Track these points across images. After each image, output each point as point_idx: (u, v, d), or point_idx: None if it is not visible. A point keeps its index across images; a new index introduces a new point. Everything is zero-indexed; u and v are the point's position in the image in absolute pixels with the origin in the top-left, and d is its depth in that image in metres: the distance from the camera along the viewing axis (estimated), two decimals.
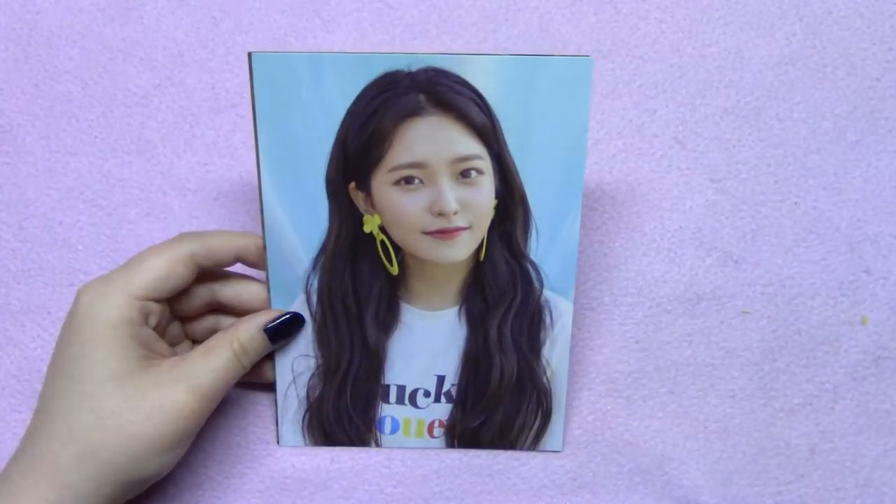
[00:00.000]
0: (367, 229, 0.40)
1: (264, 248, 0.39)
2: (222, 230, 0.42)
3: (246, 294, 0.40)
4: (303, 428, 0.43)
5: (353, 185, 0.39)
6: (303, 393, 0.42)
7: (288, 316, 0.40)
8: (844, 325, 0.45)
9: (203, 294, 0.40)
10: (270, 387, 0.43)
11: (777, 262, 0.45)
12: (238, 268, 0.41)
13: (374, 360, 0.42)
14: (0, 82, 0.45)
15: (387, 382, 0.42)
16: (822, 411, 0.45)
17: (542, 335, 0.41)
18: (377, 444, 0.44)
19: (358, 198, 0.39)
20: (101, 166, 0.45)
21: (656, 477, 0.44)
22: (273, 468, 0.44)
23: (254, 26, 0.45)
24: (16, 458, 0.36)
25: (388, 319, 0.41)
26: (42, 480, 0.34)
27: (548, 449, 0.44)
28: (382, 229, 0.39)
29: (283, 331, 0.40)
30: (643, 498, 0.44)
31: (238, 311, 0.41)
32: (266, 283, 0.40)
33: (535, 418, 0.43)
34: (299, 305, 0.41)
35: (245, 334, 0.38)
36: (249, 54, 0.36)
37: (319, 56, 0.37)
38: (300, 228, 0.39)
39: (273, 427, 0.44)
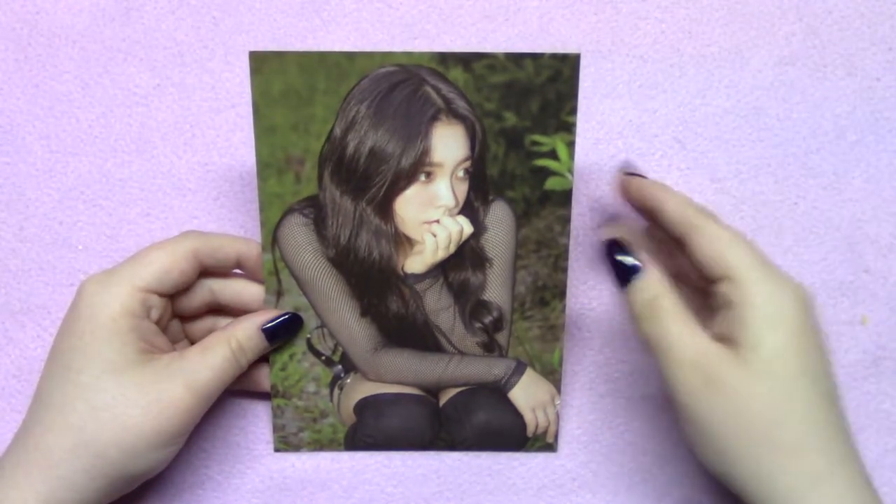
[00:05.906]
0: None
1: (263, 249, 0.39)
2: (225, 234, 0.43)
3: (245, 294, 0.40)
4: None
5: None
6: None
7: (286, 316, 0.40)
8: (844, 325, 0.45)
9: (204, 293, 0.40)
10: (267, 395, 0.43)
11: (777, 262, 0.45)
12: None
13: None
14: (0, 82, 0.45)
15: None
16: None
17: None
18: None
19: None
20: (101, 166, 0.45)
21: (656, 477, 0.44)
22: (273, 468, 0.44)
23: (254, 26, 0.45)
24: (10, 449, 0.36)
25: None
26: (34, 472, 0.34)
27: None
28: None
29: (281, 331, 0.40)
30: (643, 498, 0.44)
31: (237, 312, 0.41)
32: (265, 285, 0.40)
33: None
34: None
35: (243, 333, 0.38)
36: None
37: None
38: None
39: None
